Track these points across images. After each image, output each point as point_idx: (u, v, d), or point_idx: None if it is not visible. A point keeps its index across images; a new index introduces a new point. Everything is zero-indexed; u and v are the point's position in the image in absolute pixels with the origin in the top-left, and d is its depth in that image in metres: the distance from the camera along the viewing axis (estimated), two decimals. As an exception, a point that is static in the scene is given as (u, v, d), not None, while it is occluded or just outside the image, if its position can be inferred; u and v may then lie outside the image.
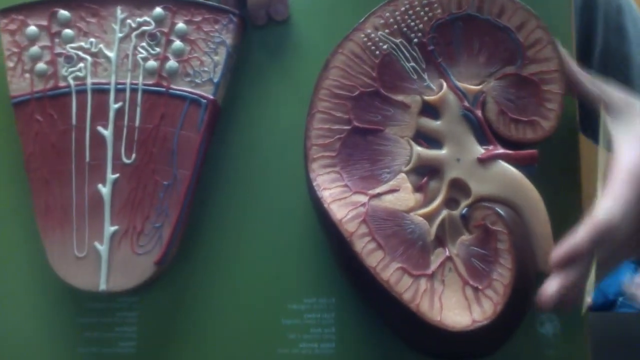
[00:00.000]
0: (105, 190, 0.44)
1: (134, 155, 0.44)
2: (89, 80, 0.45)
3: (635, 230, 0.38)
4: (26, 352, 0.45)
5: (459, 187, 0.43)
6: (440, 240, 0.43)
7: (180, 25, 0.45)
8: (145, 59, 0.45)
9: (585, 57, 0.59)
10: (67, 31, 0.45)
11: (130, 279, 0.43)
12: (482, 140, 0.43)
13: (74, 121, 0.45)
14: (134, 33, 0.45)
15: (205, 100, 0.45)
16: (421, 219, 0.42)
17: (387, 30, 0.44)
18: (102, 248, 0.43)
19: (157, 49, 0.45)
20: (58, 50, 0.45)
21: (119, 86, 0.45)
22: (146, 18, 0.45)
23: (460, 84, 0.44)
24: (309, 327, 0.45)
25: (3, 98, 0.47)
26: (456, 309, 0.41)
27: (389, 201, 0.42)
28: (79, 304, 0.46)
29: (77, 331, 0.46)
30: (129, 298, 0.46)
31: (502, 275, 0.41)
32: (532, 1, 0.43)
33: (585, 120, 0.60)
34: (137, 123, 0.44)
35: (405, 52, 0.44)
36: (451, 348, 0.41)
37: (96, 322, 0.46)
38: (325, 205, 0.42)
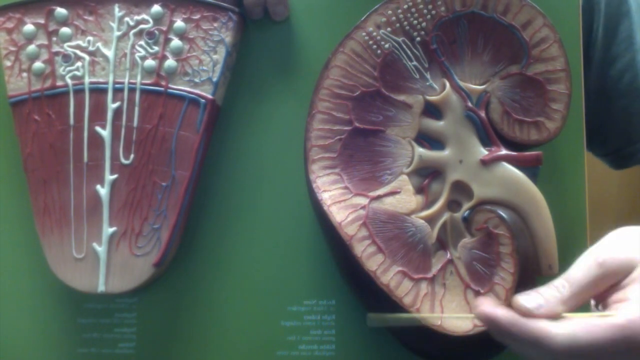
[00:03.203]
0: (103, 191, 0.43)
1: (132, 156, 0.44)
2: (87, 80, 0.44)
3: None
4: (26, 353, 0.45)
5: (461, 189, 0.42)
6: (441, 243, 0.42)
7: (179, 23, 0.44)
8: (143, 58, 0.44)
9: (586, 42, 0.56)
10: (65, 29, 0.45)
11: (128, 281, 0.43)
12: (486, 142, 0.42)
13: (71, 121, 0.44)
14: (132, 31, 0.45)
15: (204, 100, 0.44)
16: (422, 221, 0.42)
17: (389, 29, 0.43)
18: (101, 249, 0.43)
19: (156, 48, 0.44)
20: (55, 49, 0.45)
21: (117, 85, 0.44)
22: (144, 16, 0.45)
23: (463, 84, 0.43)
24: (308, 329, 0.45)
25: (1, 98, 0.46)
26: (457, 313, 0.40)
27: (390, 203, 0.42)
28: (78, 305, 0.46)
29: (76, 332, 0.46)
30: (128, 299, 0.46)
31: (504, 279, 0.40)
32: (538, -1, 0.42)
33: (594, 137, 0.57)
34: (135, 123, 0.44)
35: (407, 50, 0.43)
36: (452, 352, 0.41)
37: (95, 323, 0.46)
38: (325, 208, 0.41)
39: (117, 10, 0.45)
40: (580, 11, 0.46)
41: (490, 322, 0.31)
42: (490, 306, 0.31)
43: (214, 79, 0.44)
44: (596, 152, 0.60)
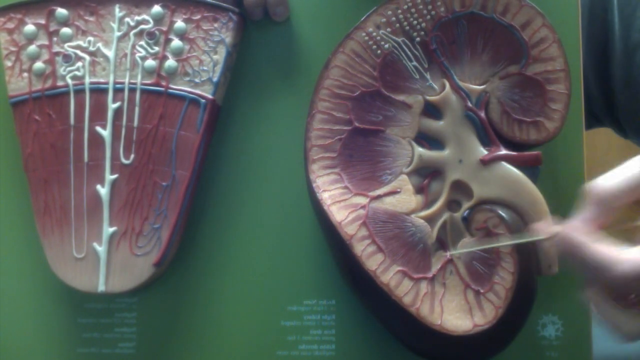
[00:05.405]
0: (104, 191, 0.43)
1: (132, 156, 0.44)
2: (87, 80, 0.44)
3: None
4: (26, 353, 0.45)
5: (460, 189, 0.43)
6: (441, 243, 0.42)
7: (179, 23, 0.45)
8: (143, 58, 0.44)
9: (603, 60, 0.57)
10: (65, 30, 0.45)
11: (129, 280, 0.43)
12: (485, 141, 0.43)
13: (72, 121, 0.44)
14: (133, 32, 0.45)
15: (204, 100, 0.44)
16: (422, 221, 0.42)
17: (389, 29, 0.43)
18: (101, 249, 0.43)
19: (156, 48, 0.45)
20: (56, 49, 0.45)
21: (117, 86, 0.44)
22: (145, 16, 0.45)
23: (463, 84, 0.43)
24: (308, 329, 0.45)
25: (1, 98, 0.46)
26: (457, 312, 0.40)
27: (390, 203, 0.42)
28: (78, 305, 0.46)
29: (76, 332, 0.46)
30: (128, 299, 0.46)
31: (504, 278, 0.40)
32: (538, -1, 0.42)
33: (631, 124, 0.58)
34: (135, 123, 0.44)
35: (407, 51, 0.43)
36: (452, 352, 0.41)
37: (95, 323, 0.46)
38: (325, 207, 0.41)
39: (118, 11, 0.45)
40: (580, 11, 0.46)
41: (564, 242, 0.33)
42: (568, 227, 0.33)
43: (214, 79, 0.44)
44: (635, 140, 0.61)
